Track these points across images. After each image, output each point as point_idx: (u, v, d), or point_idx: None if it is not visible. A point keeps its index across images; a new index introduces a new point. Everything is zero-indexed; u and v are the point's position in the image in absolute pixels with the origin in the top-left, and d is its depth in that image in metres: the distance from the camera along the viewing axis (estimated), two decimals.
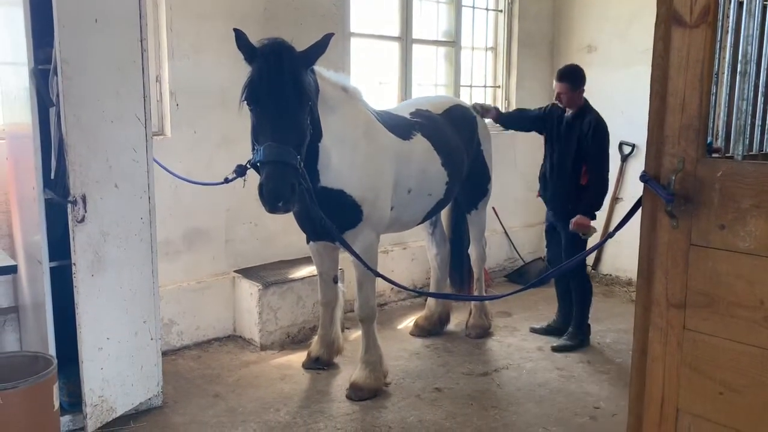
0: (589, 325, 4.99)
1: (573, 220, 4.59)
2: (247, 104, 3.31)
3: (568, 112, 4.78)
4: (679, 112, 1.95)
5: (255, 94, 3.26)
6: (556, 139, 4.84)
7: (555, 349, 4.83)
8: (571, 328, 4.94)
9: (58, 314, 3.35)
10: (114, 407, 3.51)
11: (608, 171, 4.75)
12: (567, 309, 5.09)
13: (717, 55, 1.99)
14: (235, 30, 3.31)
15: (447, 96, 5.81)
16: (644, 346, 2.11)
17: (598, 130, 4.69)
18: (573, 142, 4.70)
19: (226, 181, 3.69)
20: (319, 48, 3.39)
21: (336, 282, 4.38)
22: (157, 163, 3.84)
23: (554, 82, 4.81)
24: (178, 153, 4.61)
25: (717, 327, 1.93)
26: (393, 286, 4.71)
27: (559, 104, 4.82)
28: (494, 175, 5.06)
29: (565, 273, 4.81)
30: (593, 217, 4.66)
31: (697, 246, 1.95)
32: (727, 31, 2.39)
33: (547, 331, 5.14)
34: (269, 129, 3.24)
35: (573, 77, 4.76)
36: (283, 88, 3.22)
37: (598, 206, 4.73)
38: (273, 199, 3.15)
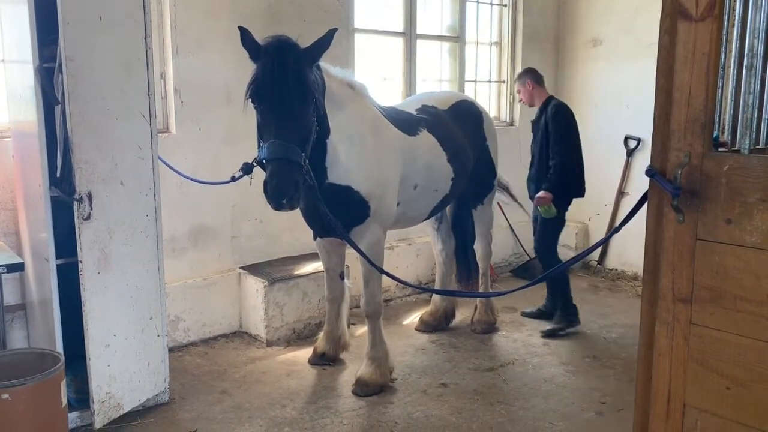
0: (575, 306, 5.08)
1: (536, 195, 4.88)
2: (252, 102, 3.31)
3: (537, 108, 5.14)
4: (685, 106, 1.94)
5: (259, 92, 3.26)
6: (534, 139, 5.11)
7: (545, 335, 4.93)
8: (558, 312, 5.06)
9: (65, 311, 3.37)
10: (121, 403, 3.53)
11: (574, 153, 4.94)
12: (554, 291, 5.24)
13: (723, 49, 1.97)
14: (240, 28, 3.31)
15: (453, 91, 5.80)
16: (650, 340, 2.10)
17: (559, 112, 4.92)
18: (541, 130, 4.94)
19: (233, 179, 3.70)
20: (323, 44, 3.38)
21: (342, 278, 4.39)
22: (164, 162, 3.83)
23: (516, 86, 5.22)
24: (184, 150, 4.62)
25: (724, 322, 1.92)
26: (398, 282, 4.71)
27: (523, 102, 5.23)
28: (499, 171, 5.05)
29: (546, 260, 5.02)
30: (555, 194, 4.79)
31: (703, 240, 1.94)
32: (733, 25, 2.37)
33: (538, 315, 5.30)
34: (273, 127, 3.24)
35: (524, 77, 5.13)
36: (286, 85, 3.22)
37: (561, 184, 4.83)
38: (277, 196, 3.16)
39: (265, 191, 3.19)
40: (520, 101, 5.25)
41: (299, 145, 3.25)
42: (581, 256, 3.29)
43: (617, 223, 6.48)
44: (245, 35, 3.32)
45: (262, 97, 3.27)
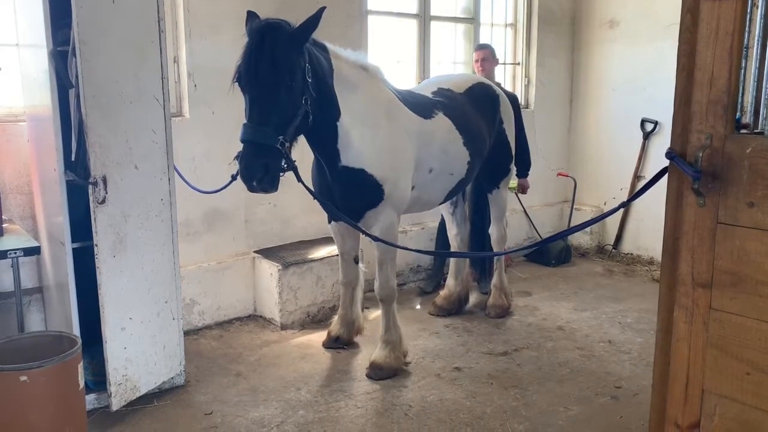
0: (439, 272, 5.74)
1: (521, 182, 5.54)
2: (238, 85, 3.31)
3: None
4: (707, 87, 1.90)
5: (238, 75, 3.27)
6: None
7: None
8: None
9: (82, 295, 3.39)
10: (138, 386, 3.56)
11: None
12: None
13: (747, 28, 1.92)
14: (248, 12, 3.31)
15: (469, 74, 5.75)
16: (669, 325, 2.08)
17: (516, 102, 5.24)
18: None
19: (233, 178, 3.63)
20: (310, 24, 3.31)
21: (357, 262, 4.38)
22: (178, 172, 3.79)
23: (475, 53, 5.55)
24: (197, 134, 4.62)
25: (744, 306, 1.89)
26: (410, 267, 4.71)
27: (479, 73, 5.42)
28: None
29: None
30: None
31: (724, 224, 1.91)
32: (757, 6, 2.32)
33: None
34: (249, 109, 3.25)
35: (492, 47, 5.57)
36: (259, 67, 3.19)
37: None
38: (245, 178, 3.19)
39: (239, 173, 3.22)
40: (480, 71, 5.42)
41: (275, 128, 3.21)
42: (579, 227, 3.11)
43: (633, 207, 6.48)
44: (249, 19, 3.33)
45: (239, 80, 3.27)
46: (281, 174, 3.28)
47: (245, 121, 3.23)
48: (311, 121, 3.42)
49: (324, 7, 3.33)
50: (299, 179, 3.38)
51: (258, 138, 3.17)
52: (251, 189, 3.24)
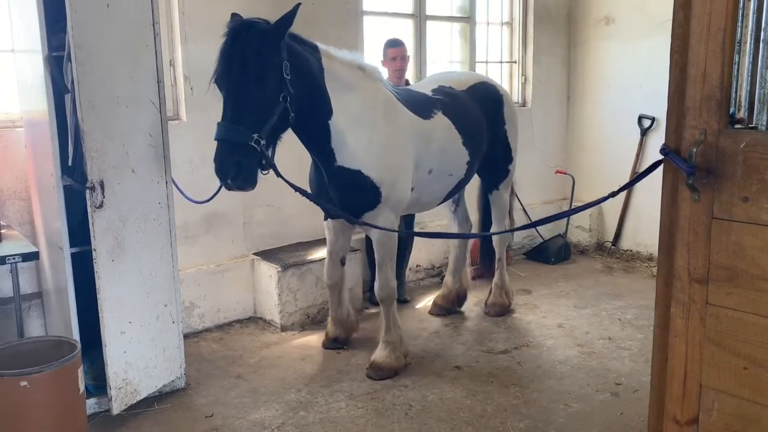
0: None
1: None
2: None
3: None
4: (701, 83, 1.90)
5: (214, 74, 3.29)
6: None
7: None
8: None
9: (81, 299, 3.39)
10: (138, 390, 3.56)
11: None
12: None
13: (740, 23, 1.92)
14: (232, 14, 3.36)
15: (473, 73, 5.71)
16: (666, 321, 2.08)
17: None
18: None
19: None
20: (285, 20, 3.31)
21: (343, 264, 4.35)
22: (175, 184, 3.77)
23: (390, 50, 4.93)
24: (194, 137, 4.61)
25: (741, 301, 1.89)
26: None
27: (394, 74, 4.93)
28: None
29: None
30: None
31: (719, 219, 1.91)
32: None
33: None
34: (223, 108, 3.27)
35: (404, 45, 5.04)
36: (232, 65, 3.21)
37: None
38: (219, 176, 3.21)
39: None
40: (396, 71, 4.91)
41: (250, 126, 3.21)
42: (567, 213, 3.14)
43: (632, 203, 6.49)
44: (230, 21, 3.34)
45: (216, 79, 3.29)
46: (264, 172, 3.28)
47: (220, 120, 3.24)
48: (292, 119, 3.41)
49: (299, 4, 3.34)
50: (279, 174, 3.36)
51: (230, 136, 3.19)
52: (227, 187, 3.26)
